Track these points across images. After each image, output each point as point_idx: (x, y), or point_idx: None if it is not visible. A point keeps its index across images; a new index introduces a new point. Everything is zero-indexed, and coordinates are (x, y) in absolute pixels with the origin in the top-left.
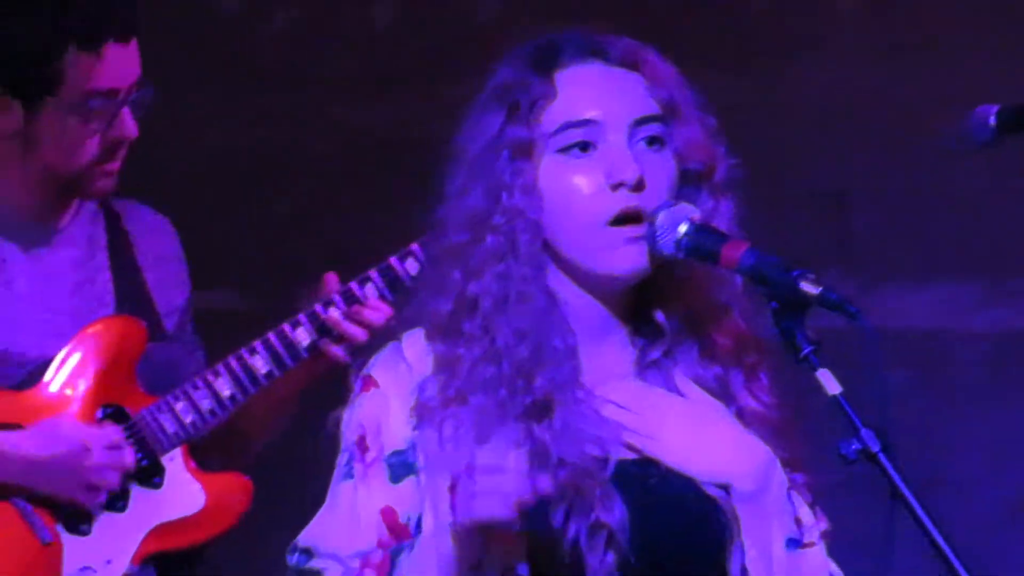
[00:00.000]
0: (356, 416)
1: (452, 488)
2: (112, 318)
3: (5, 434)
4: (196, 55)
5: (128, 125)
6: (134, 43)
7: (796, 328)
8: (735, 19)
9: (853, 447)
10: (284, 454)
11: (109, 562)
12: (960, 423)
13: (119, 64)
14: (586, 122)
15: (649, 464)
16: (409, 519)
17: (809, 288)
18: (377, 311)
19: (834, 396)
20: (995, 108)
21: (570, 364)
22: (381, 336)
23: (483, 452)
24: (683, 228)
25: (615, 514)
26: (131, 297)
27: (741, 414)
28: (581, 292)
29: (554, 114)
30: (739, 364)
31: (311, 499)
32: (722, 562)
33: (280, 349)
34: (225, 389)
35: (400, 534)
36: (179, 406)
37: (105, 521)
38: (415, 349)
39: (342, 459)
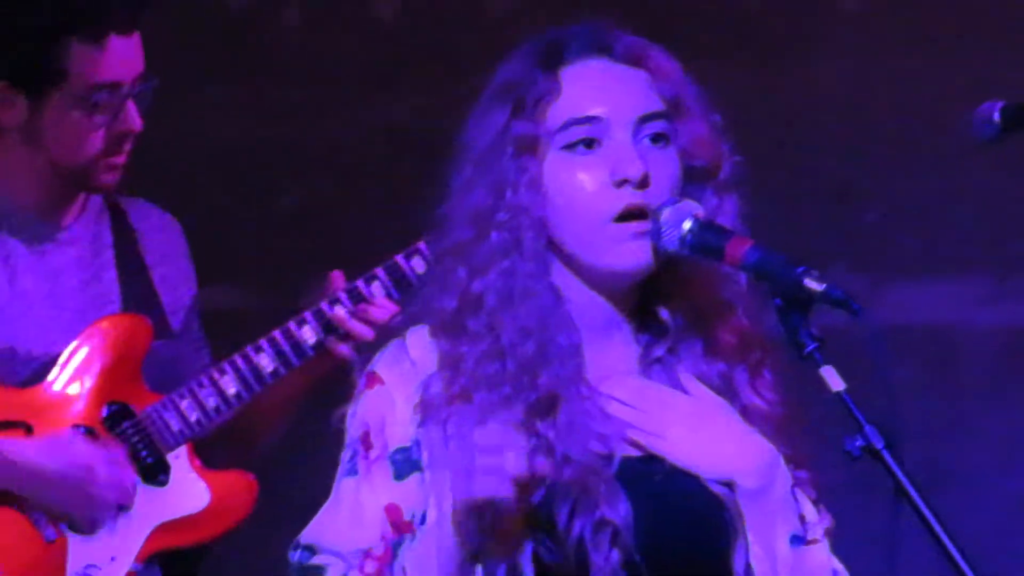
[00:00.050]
0: (360, 413)
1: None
2: (118, 316)
3: (11, 441)
4: (203, 50)
5: (133, 118)
6: (137, 36)
7: (800, 325)
8: (742, 16)
9: (857, 444)
10: (289, 452)
11: (113, 560)
12: (967, 419)
13: (122, 57)
14: (591, 119)
15: (653, 461)
16: (413, 516)
17: (813, 285)
18: (383, 309)
19: (838, 393)
20: (999, 105)
21: (574, 361)
22: (387, 334)
23: (482, 432)
24: (687, 225)
25: (620, 511)
26: (137, 295)
27: (745, 411)
28: (585, 289)
29: (559, 111)
30: (743, 361)
31: (315, 496)
32: (726, 559)
33: (286, 347)
34: (231, 387)
35: (404, 531)
36: (184, 404)
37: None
38: (420, 346)
39: (346, 455)
